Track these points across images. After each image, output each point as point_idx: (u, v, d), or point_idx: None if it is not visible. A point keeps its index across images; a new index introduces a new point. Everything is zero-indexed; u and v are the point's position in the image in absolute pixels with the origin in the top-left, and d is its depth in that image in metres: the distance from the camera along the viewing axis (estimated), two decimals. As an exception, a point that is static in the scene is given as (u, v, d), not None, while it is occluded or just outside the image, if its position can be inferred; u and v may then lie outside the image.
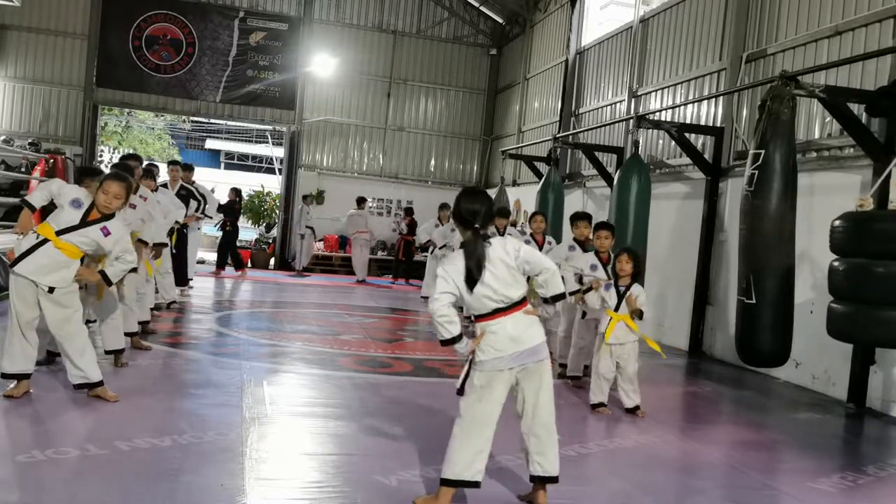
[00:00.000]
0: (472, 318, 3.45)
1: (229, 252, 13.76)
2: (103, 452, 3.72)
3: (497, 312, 3.36)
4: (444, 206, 12.36)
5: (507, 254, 3.38)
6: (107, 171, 5.23)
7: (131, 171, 5.48)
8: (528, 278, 3.52)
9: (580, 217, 6.95)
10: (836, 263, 5.24)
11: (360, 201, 14.97)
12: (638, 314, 5.51)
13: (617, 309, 5.55)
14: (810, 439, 5.41)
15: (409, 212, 15.61)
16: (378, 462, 3.98)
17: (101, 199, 4.54)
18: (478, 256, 3.32)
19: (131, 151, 6.93)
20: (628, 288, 5.57)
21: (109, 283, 4.78)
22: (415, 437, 4.48)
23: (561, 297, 3.54)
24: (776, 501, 4.04)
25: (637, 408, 5.56)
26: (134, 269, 5.36)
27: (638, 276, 5.63)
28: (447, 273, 3.35)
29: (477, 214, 3.40)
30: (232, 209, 13.50)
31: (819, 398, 6.80)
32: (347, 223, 15.08)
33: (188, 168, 10.17)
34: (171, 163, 10.13)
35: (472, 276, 3.31)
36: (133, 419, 4.36)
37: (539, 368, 3.43)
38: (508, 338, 3.34)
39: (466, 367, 3.43)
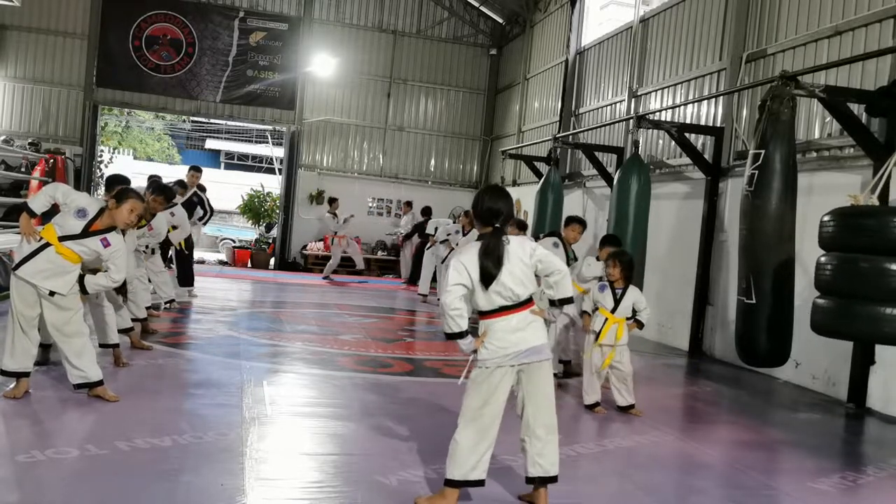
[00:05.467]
0: (477, 314, 3.44)
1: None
2: (103, 452, 3.72)
3: (503, 310, 3.36)
4: (466, 213, 12.27)
5: (524, 252, 3.39)
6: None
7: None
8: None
9: (574, 220, 7.19)
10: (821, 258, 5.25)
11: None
12: (639, 325, 5.60)
13: (614, 311, 5.55)
14: (810, 439, 5.41)
15: (427, 211, 15.27)
16: (378, 462, 3.98)
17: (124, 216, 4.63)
18: (498, 254, 3.32)
19: (154, 175, 7.39)
20: (624, 291, 5.57)
21: (85, 291, 4.73)
22: (415, 437, 4.49)
23: (569, 300, 3.53)
24: (776, 501, 4.05)
25: (631, 406, 5.56)
26: (121, 290, 5.40)
27: (630, 278, 5.62)
28: (462, 265, 3.34)
29: (499, 214, 3.40)
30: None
31: (819, 398, 6.80)
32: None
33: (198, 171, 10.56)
34: (192, 168, 10.60)
35: (490, 273, 3.30)
36: (133, 419, 4.36)
37: (541, 368, 3.43)
38: (512, 335, 3.35)
39: (470, 363, 3.43)
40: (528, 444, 3.45)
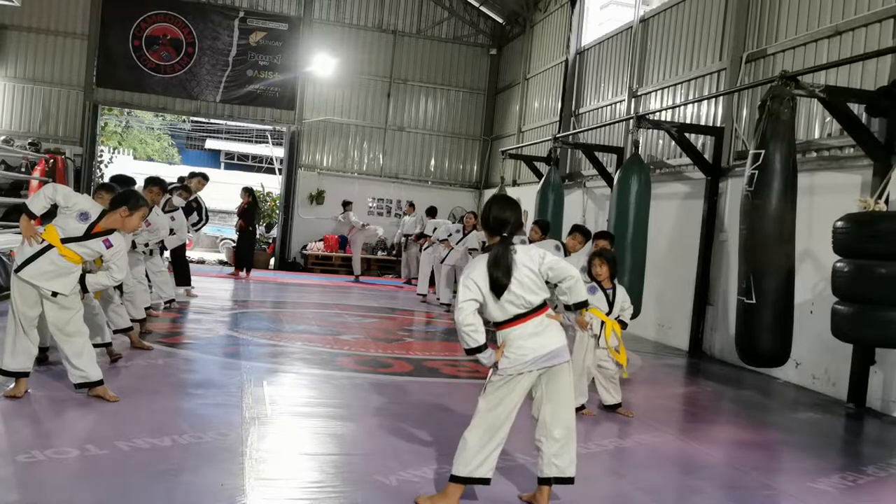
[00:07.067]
0: (492, 325, 3.43)
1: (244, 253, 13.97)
2: (103, 452, 3.72)
3: (518, 318, 3.35)
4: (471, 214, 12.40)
5: (531, 260, 3.37)
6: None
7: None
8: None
9: (577, 230, 7.20)
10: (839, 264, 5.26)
11: (412, 205, 15.65)
12: (622, 326, 5.58)
13: (608, 313, 5.52)
14: (810, 439, 5.41)
15: (432, 212, 15.16)
16: (378, 462, 3.98)
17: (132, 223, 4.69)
18: (506, 265, 3.30)
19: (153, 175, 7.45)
20: (614, 291, 5.54)
21: (86, 290, 4.75)
22: (415, 437, 4.49)
23: (583, 304, 3.53)
24: (776, 501, 4.04)
25: (619, 405, 5.55)
26: (119, 288, 5.40)
27: (615, 276, 5.58)
28: (471, 280, 3.33)
29: (507, 224, 3.39)
30: (247, 212, 13.54)
31: (819, 398, 6.80)
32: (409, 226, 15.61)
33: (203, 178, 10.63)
34: (200, 174, 10.69)
35: (501, 284, 3.29)
36: (133, 419, 4.36)
37: (559, 371, 3.42)
38: (529, 341, 3.33)
39: (490, 374, 3.43)
40: (545, 445, 3.43)
